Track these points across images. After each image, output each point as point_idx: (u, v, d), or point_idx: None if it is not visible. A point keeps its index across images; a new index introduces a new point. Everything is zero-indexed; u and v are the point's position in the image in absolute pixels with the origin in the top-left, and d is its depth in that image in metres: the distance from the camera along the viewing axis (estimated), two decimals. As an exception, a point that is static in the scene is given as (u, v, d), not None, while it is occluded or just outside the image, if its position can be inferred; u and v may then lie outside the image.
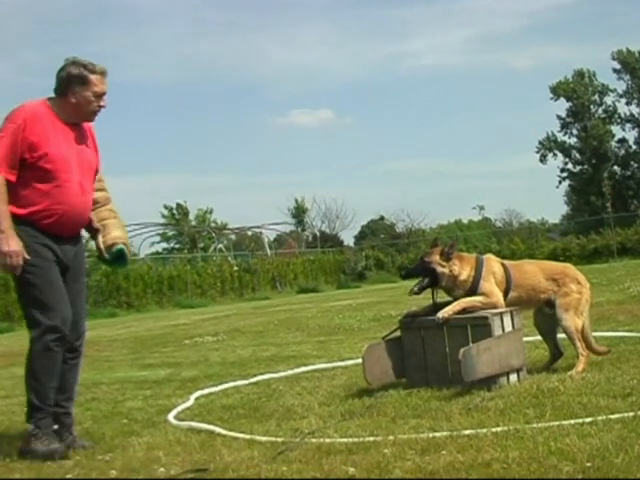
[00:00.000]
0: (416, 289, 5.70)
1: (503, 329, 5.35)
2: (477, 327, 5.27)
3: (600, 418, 3.90)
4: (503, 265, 5.79)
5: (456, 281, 5.63)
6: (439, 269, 5.63)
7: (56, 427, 4.72)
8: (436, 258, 5.66)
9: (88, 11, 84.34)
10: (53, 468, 4.18)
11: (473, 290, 5.59)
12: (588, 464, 3.20)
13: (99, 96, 4.74)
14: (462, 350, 4.97)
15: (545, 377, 5.30)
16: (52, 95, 4.76)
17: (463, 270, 5.63)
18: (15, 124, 4.54)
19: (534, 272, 5.84)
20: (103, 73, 4.75)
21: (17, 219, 4.53)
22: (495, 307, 5.49)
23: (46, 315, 4.55)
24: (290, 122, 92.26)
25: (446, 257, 5.65)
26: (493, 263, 5.77)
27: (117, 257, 4.92)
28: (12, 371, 9.52)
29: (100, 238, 4.90)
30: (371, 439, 4.00)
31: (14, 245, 4.42)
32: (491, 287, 5.60)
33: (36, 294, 4.56)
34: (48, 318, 4.54)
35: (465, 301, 5.53)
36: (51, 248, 4.61)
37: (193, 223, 60.94)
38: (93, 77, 4.70)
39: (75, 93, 4.68)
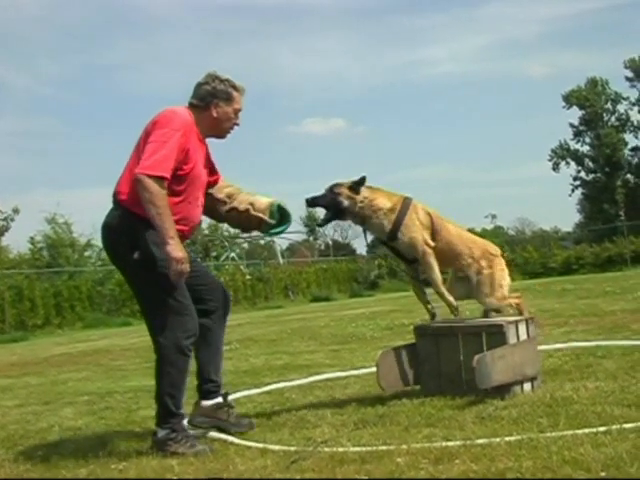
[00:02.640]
0: (321, 221, 5.63)
1: (518, 337, 5.33)
2: (492, 335, 5.25)
3: (614, 427, 3.87)
4: (430, 215, 5.55)
5: (372, 216, 5.41)
6: (345, 202, 5.40)
7: (220, 400, 4.97)
8: (344, 190, 5.41)
9: (104, 21, 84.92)
10: (67, 477, 4.19)
11: (396, 227, 5.39)
12: (602, 473, 3.18)
13: (237, 113, 4.83)
14: (476, 357, 4.96)
15: (559, 386, 5.27)
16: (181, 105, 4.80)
17: (380, 203, 5.43)
18: (177, 131, 4.54)
19: (457, 233, 5.67)
20: (242, 91, 4.85)
21: (144, 221, 4.54)
22: (427, 252, 5.39)
23: (180, 319, 4.59)
24: (303, 131, 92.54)
25: (355, 191, 5.42)
26: (420, 207, 5.53)
27: (281, 215, 5.02)
28: (26, 380, 9.57)
29: (253, 211, 4.95)
30: (384, 448, 3.98)
31: (182, 252, 4.49)
32: (415, 232, 5.41)
33: (167, 299, 4.59)
34: (183, 322, 4.60)
35: (435, 283, 5.41)
36: None
37: (205, 232, 61.01)
38: (236, 94, 4.80)
39: (218, 107, 4.75)
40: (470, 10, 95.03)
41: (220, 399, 5.00)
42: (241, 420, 5.03)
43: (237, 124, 4.88)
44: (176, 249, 4.44)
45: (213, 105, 4.74)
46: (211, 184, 5.01)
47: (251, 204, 4.98)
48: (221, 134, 4.90)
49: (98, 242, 30.96)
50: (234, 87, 4.79)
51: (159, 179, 4.43)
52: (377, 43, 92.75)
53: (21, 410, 6.89)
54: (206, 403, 4.98)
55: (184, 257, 4.47)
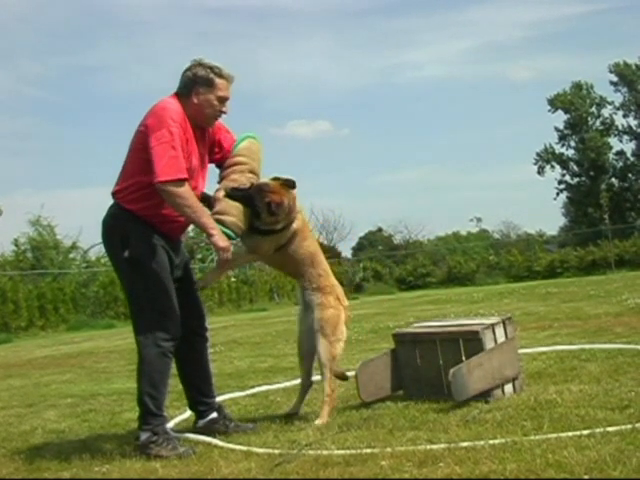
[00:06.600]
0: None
1: (495, 341, 5.30)
2: (469, 341, 5.21)
3: (598, 430, 3.89)
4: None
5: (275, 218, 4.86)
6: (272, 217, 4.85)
7: (215, 416, 5.00)
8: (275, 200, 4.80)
9: (89, 22, 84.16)
10: (50, 479, 4.17)
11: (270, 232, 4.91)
12: (586, 477, 3.19)
13: (222, 101, 4.74)
14: (452, 371, 4.92)
15: (543, 389, 5.29)
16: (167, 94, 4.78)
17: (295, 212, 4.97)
18: (173, 127, 4.52)
19: (311, 245, 5.17)
20: (229, 79, 4.76)
21: (137, 218, 4.60)
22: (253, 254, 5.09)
23: (163, 321, 4.61)
24: (287, 133, 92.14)
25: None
26: (301, 222, 5.06)
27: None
28: (9, 382, 9.52)
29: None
30: (368, 451, 3.98)
31: (226, 241, 4.59)
32: (264, 244, 4.97)
33: (153, 300, 4.61)
34: (165, 324, 4.61)
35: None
36: (166, 250, 4.68)
37: (191, 234, 60.84)
38: (219, 81, 4.71)
39: (199, 94, 4.68)
40: (454, 13, 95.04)
41: (214, 414, 5.01)
42: (241, 427, 5.01)
43: (223, 112, 4.80)
44: (220, 240, 4.55)
45: (194, 92, 4.68)
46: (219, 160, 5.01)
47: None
48: (205, 122, 4.80)
49: (83, 244, 30.92)
50: (218, 74, 4.70)
51: (179, 182, 4.44)
52: (361, 45, 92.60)
53: (4, 412, 6.85)
54: (201, 421, 5.03)
55: (228, 246, 4.58)
